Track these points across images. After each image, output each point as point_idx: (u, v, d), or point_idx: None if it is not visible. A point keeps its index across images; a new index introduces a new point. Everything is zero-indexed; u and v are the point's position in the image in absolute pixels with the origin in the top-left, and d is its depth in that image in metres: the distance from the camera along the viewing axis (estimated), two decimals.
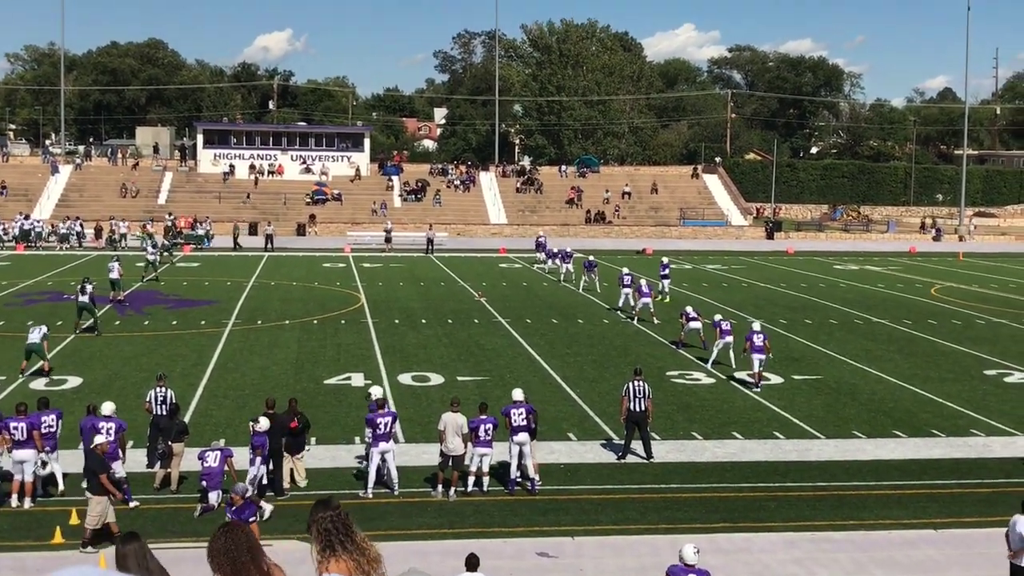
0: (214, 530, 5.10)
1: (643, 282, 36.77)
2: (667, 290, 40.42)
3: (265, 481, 16.73)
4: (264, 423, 16.79)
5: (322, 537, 5.74)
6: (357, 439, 19.67)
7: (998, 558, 13.48)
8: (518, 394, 18.15)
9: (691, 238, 74.40)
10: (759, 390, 24.78)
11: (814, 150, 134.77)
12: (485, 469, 17.24)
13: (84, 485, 15.49)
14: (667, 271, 41.24)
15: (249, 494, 13.95)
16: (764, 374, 25.20)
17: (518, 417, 17.50)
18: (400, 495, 17.01)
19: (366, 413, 17.85)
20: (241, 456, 17.36)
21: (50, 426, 16.89)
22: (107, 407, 17.19)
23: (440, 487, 17.05)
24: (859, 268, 55.72)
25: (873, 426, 22.03)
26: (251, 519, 12.78)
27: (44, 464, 16.59)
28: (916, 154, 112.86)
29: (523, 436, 17.39)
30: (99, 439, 15.58)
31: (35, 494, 16.41)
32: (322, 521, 5.77)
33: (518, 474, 17.37)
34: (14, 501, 16.18)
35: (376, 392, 18.99)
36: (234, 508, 13.26)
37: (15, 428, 16.35)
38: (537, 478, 17.42)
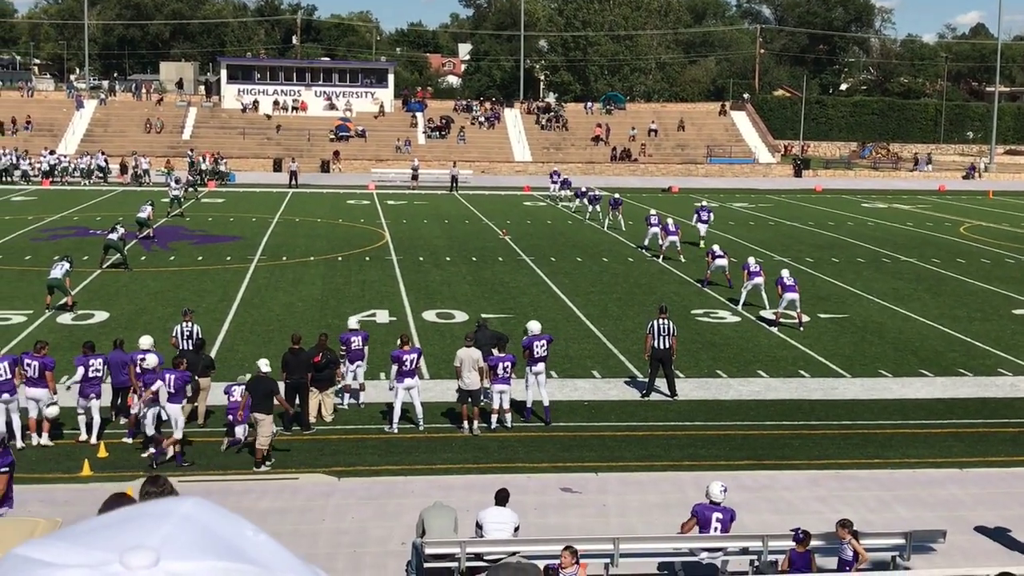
0: (106, 499, 5.24)
1: (670, 220, 36.51)
2: (704, 235, 37.87)
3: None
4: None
5: None
6: (382, 375, 19.76)
7: (1023, 497, 13.43)
8: (536, 327, 18.41)
9: (718, 176, 73.71)
10: (802, 329, 24.62)
11: (843, 87, 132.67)
12: (506, 406, 17.36)
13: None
14: (708, 215, 38.49)
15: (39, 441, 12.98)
16: (791, 313, 25.00)
17: (540, 348, 17.73)
18: (425, 430, 17.11)
19: (391, 350, 17.90)
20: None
21: (97, 370, 16.60)
22: (145, 341, 17.23)
23: (465, 423, 17.15)
24: (887, 207, 55.11)
25: (899, 365, 21.91)
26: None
27: (52, 405, 16.29)
28: (947, 91, 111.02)
29: (541, 366, 17.74)
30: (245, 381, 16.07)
31: (49, 431, 16.29)
32: (150, 496, 6.21)
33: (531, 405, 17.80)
34: (34, 439, 16.24)
35: (353, 322, 19.46)
36: None
37: (28, 366, 16.24)
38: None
